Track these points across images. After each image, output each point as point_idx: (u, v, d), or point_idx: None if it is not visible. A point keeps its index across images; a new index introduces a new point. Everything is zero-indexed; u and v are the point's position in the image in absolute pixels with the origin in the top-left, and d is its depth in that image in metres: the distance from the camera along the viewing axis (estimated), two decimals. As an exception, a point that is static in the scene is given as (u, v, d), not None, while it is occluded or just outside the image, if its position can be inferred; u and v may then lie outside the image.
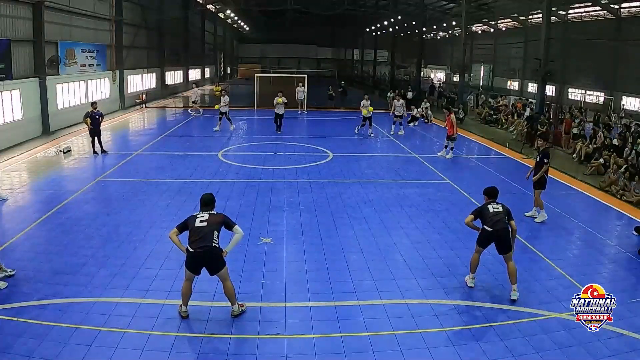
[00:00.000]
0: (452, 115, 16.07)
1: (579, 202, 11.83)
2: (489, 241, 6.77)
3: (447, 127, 16.30)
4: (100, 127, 15.35)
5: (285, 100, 19.94)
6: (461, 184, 12.50)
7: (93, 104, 15.70)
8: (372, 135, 19.95)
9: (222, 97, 20.45)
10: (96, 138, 15.17)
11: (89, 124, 14.97)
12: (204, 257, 5.79)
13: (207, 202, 6.06)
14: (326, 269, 7.40)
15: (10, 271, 6.96)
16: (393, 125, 20.78)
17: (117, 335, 5.52)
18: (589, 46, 31.97)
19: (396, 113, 20.51)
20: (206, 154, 15.68)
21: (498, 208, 6.81)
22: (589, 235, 9.29)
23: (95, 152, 15.22)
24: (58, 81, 19.81)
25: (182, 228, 5.91)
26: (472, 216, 6.93)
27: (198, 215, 5.91)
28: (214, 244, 5.75)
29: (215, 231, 5.79)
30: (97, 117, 15.10)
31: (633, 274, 7.72)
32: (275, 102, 19.72)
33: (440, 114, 27.33)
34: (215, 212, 6.01)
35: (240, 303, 6.10)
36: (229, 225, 5.94)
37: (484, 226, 6.77)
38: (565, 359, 5.33)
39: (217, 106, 20.83)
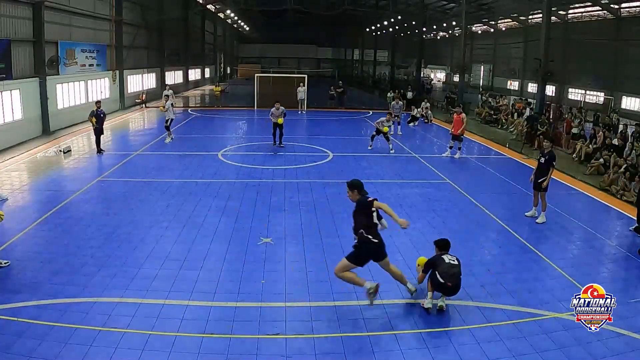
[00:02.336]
0: (463, 115, 16.08)
1: (579, 202, 11.83)
2: (439, 287, 6.28)
3: (453, 128, 16.24)
4: (103, 126, 15.51)
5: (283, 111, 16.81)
6: (461, 184, 12.49)
7: (97, 102, 15.78)
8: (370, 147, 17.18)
9: (166, 102, 17.90)
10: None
11: (94, 123, 15.00)
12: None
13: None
14: (326, 269, 7.39)
15: (5, 262, 7.03)
16: (392, 126, 20.66)
17: (117, 335, 5.51)
18: (589, 46, 32.00)
19: (394, 113, 20.50)
20: (206, 154, 15.68)
21: (454, 260, 6.38)
22: (589, 235, 9.28)
23: (99, 151, 15.27)
24: (58, 81, 19.82)
25: None
26: (423, 274, 6.55)
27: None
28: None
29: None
30: (102, 115, 15.29)
31: (633, 274, 7.72)
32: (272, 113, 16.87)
33: (440, 114, 27.41)
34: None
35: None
36: None
37: (437, 274, 6.23)
38: (565, 359, 5.33)
39: (161, 108, 18.37)
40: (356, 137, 20.16)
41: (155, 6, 31.85)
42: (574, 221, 10.00)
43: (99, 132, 15.20)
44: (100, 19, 23.82)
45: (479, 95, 32.12)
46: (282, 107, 16.74)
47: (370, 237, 5.98)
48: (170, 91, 22.65)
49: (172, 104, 17.85)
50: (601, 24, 32.65)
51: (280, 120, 16.66)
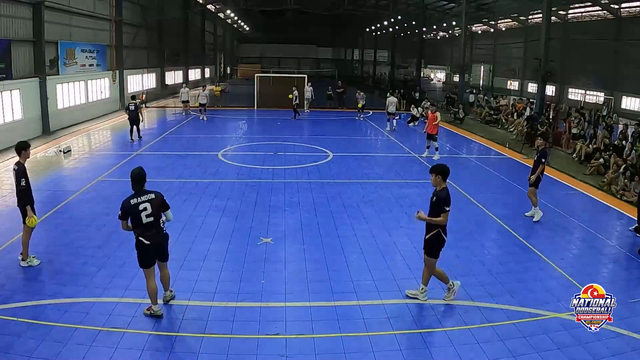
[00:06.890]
0: (438, 113, 15.81)
1: (579, 202, 11.83)
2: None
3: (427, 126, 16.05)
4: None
5: (296, 94, 24.19)
6: (461, 184, 12.46)
7: (134, 97, 18.78)
8: (360, 119, 24.70)
9: (202, 91, 24.74)
10: (135, 126, 17.25)
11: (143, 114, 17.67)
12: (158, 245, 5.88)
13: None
14: (326, 269, 7.39)
15: (36, 261, 7.23)
16: (388, 122, 21.62)
17: (117, 335, 5.51)
18: (589, 46, 31.99)
19: (389, 110, 21.01)
20: (206, 154, 15.68)
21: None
22: (589, 235, 9.28)
23: (132, 139, 17.09)
24: (58, 81, 19.81)
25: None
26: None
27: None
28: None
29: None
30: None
31: (633, 274, 7.71)
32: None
33: (440, 114, 27.38)
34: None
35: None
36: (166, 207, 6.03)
37: (443, 233, 6.23)
38: (565, 359, 5.33)
39: (197, 104, 24.67)
40: (356, 137, 20.17)
41: (155, 6, 31.85)
42: (574, 221, 10.00)
43: (136, 121, 17.20)
44: (100, 19, 23.81)
45: (474, 95, 31.83)
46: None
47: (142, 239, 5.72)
48: (187, 89, 26.04)
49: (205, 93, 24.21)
50: (601, 24, 32.64)
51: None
